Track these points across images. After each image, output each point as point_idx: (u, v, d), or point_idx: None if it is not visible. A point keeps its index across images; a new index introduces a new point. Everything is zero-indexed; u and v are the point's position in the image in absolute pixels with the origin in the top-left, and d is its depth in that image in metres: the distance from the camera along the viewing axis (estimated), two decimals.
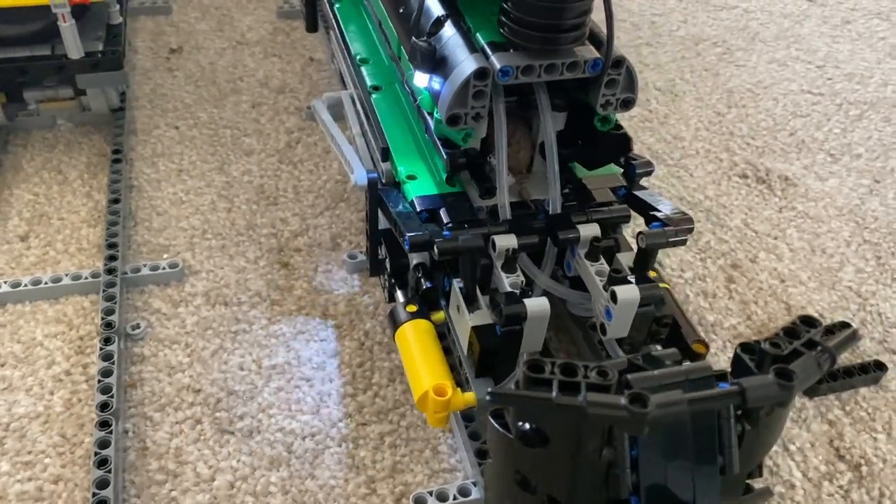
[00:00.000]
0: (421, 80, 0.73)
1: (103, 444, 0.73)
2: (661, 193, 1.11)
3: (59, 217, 1.01)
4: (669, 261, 1.02)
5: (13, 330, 0.87)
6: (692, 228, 0.77)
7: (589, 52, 0.71)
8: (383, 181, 0.83)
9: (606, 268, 0.75)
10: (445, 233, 0.72)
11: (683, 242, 0.76)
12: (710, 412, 0.56)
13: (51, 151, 1.11)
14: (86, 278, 0.90)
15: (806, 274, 1.02)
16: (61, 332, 0.87)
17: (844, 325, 0.93)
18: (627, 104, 0.75)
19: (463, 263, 0.72)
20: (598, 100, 0.74)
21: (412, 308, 0.77)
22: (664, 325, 0.76)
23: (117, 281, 0.89)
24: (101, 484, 0.70)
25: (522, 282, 0.72)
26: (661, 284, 0.81)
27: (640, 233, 0.74)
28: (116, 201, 0.99)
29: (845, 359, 0.91)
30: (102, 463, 0.71)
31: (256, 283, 0.95)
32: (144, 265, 0.94)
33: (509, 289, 0.71)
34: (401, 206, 0.78)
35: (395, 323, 0.77)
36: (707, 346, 0.77)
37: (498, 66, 0.69)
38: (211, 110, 1.22)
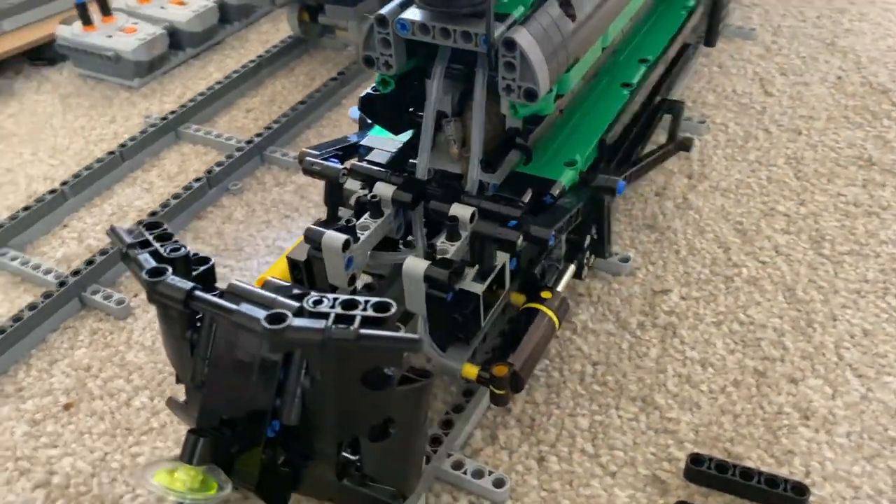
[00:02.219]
0: None
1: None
2: (757, 282, 0.93)
3: (279, 105, 1.32)
4: (690, 334, 0.86)
5: (183, 159, 1.21)
6: (536, 241, 0.69)
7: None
8: None
9: (449, 248, 0.73)
10: (333, 159, 0.80)
11: (511, 246, 0.69)
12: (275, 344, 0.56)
13: (321, 66, 1.43)
14: (238, 143, 1.19)
15: (850, 428, 0.76)
16: (202, 168, 1.17)
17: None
18: (530, 95, 0.70)
19: (325, 189, 0.78)
20: (499, 81, 0.71)
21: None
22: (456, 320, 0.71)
23: (244, 149, 1.15)
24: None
25: (350, 224, 0.76)
26: (541, 307, 0.75)
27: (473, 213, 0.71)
28: (304, 103, 1.25)
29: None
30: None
31: None
32: (278, 150, 1.18)
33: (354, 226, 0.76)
34: (354, 138, 0.86)
35: None
36: (512, 374, 0.69)
37: (398, 16, 0.73)
38: None
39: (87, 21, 1.38)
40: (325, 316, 0.52)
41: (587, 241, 0.80)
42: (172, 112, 1.25)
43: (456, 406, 0.77)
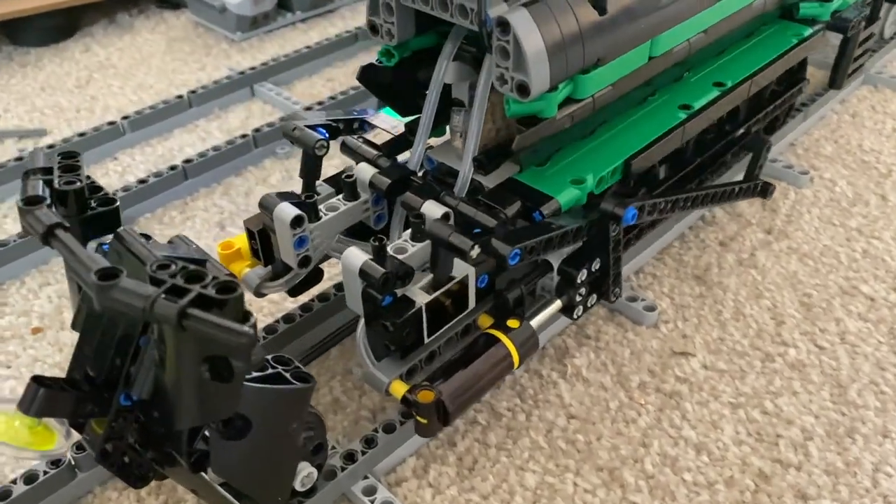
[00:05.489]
0: None
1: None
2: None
3: None
4: (697, 410, 0.72)
5: (249, 116, 1.19)
6: (495, 256, 0.59)
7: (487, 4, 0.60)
8: None
9: (409, 248, 0.64)
10: (320, 129, 0.73)
11: (461, 254, 0.59)
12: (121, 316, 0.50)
13: None
14: (304, 109, 1.15)
15: None
16: None
17: None
18: (522, 90, 0.60)
19: (302, 159, 0.72)
20: (493, 69, 0.61)
21: None
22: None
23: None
24: None
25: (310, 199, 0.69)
26: (501, 336, 0.65)
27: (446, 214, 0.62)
28: None
29: None
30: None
31: None
32: None
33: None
34: (365, 113, 0.80)
35: None
36: (438, 403, 0.60)
37: None
38: None
39: None
40: (161, 283, 0.45)
41: (582, 274, 0.68)
42: (252, 68, 1.24)
43: (387, 425, 0.68)
